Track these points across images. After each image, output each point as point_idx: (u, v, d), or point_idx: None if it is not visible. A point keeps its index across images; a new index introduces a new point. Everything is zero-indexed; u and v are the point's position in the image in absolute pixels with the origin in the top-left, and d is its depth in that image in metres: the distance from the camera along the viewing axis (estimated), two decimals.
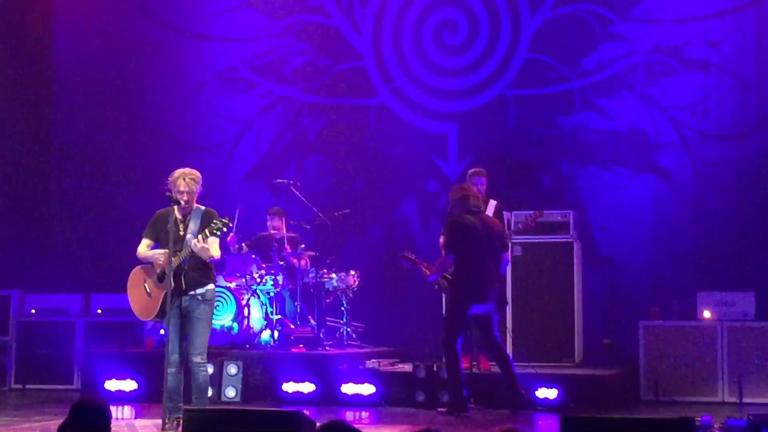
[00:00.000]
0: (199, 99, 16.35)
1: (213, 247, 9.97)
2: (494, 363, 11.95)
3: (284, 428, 6.81)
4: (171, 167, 10.31)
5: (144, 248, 10.15)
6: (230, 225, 9.97)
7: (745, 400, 12.47)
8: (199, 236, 9.81)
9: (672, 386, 12.77)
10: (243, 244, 13.97)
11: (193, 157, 14.88)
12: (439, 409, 11.71)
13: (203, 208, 10.08)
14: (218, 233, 9.90)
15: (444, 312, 12.30)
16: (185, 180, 9.97)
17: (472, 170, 12.82)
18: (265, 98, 16.29)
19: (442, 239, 11.59)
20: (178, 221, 9.97)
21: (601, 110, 15.01)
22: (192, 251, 9.81)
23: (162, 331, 12.31)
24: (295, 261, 13.98)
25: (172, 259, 9.77)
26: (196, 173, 10.11)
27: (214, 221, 9.86)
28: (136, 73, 16.42)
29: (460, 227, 11.41)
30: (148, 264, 10.17)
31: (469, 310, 11.32)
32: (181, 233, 9.95)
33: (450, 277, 11.59)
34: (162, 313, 10.02)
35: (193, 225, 9.97)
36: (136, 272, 10.31)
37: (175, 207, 9.92)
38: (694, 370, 12.83)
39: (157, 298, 10.05)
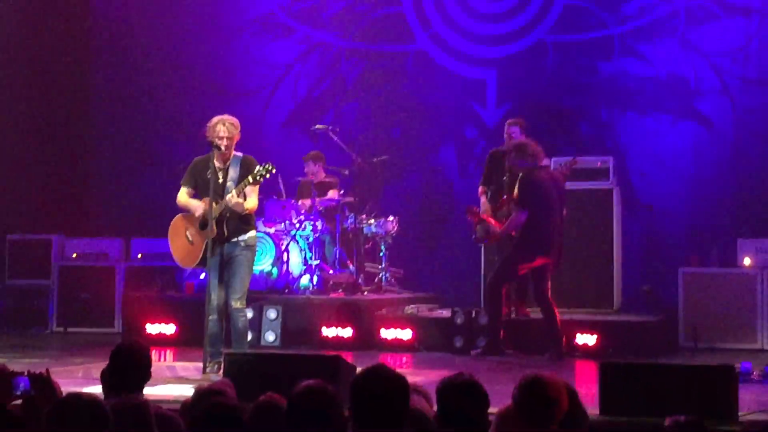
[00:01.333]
0: (237, 45, 16.34)
1: (251, 199, 9.99)
2: (536, 310, 11.99)
3: (325, 372, 6.84)
4: (209, 113, 10.35)
5: (184, 196, 10.20)
6: (272, 171, 9.98)
7: None
8: (234, 191, 9.83)
9: (711, 333, 12.74)
10: (282, 191, 14.01)
11: (232, 103, 14.87)
12: (473, 351, 11.78)
13: (242, 155, 10.10)
14: (260, 180, 9.93)
15: (500, 257, 12.30)
16: (225, 125, 9.98)
17: (511, 120, 12.82)
18: (303, 44, 16.26)
19: (515, 195, 11.64)
20: (218, 169, 9.99)
21: (641, 56, 14.90)
22: (227, 204, 9.84)
23: (202, 275, 12.38)
24: (334, 207, 14.00)
25: (214, 206, 9.82)
26: (233, 119, 10.12)
27: (258, 168, 9.88)
28: (175, 18, 16.42)
29: (533, 184, 11.46)
30: (188, 212, 10.23)
31: (532, 262, 11.41)
32: (221, 181, 9.98)
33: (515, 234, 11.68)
34: (204, 261, 10.09)
35: (233, 172, 10.00)
36: (177, 220, 10.37)
37: (215, 154, 9.94)
38: (733, 318, 12.79)
39: (199, 246, 10.11)
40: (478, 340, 12.04)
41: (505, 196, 12.23)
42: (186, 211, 10.25)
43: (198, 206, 10.06)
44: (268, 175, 9.96)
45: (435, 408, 5.60)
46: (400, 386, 4.89)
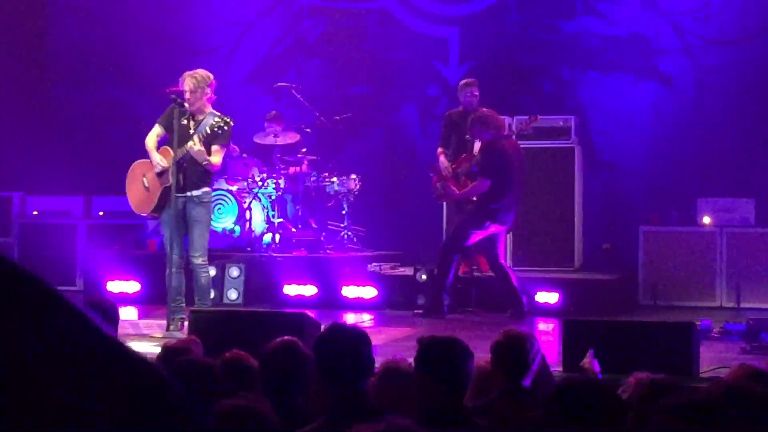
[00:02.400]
0: (198, 1, 16.23)
1: (215, 156, 10.01)
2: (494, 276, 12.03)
3: (290, 329, 6.86)
4: (170, 70, 10.33)
5: (153, 137, 10.24)
6: (231, 124, 10.00)
7: (743, 305, 12.57)
8: (196, 137, 9.84)
9: (670, 291, 12.86)
10: (245, 149, 13.99)
11: (193, 60, 14.77)
12: (415, 311, 11.81)
13: (218, 114, 10.10)
14: (218, 131, 9.93)
15: (456, 221, 12.34)
16: (188, 78, 10.02)
17: (464, 81, 12.84)
18: (265, 1, 16.17)
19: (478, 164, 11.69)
20: (191, 119, 10.00)
21: (603, 15, 14.93)
22: (190, 151, 9.86)
23: (162, 233, 12.36)
24: (296, 165, 14.00)
25: (176, 152, 9.85)
26: (203, 74, 10.12)
27: (215, 120, 9.89)
28: None
29: (496, 153, 11.49)
30: (148, 159, 10.24)
31: (487, 230, 11.46)
32: (191, 131, 9.98)
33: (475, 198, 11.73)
34: (158, 209, 10.12)
35: (202, 127, 10.01)
36: (136, 166, 10.39)
37: (177, 105, 9.93)
38: (692, 276, 12.91)
39: (155, 193, 10.14)
40: (418, 299, 12.08)
41: (464, 155, 12.26)
42: (147, 157, 10.28)
43: (157, 162, 10.07)
44: (226, 128, 9.99)
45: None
46: (362, 342, 4.97)
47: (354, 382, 4.87)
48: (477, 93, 12.59)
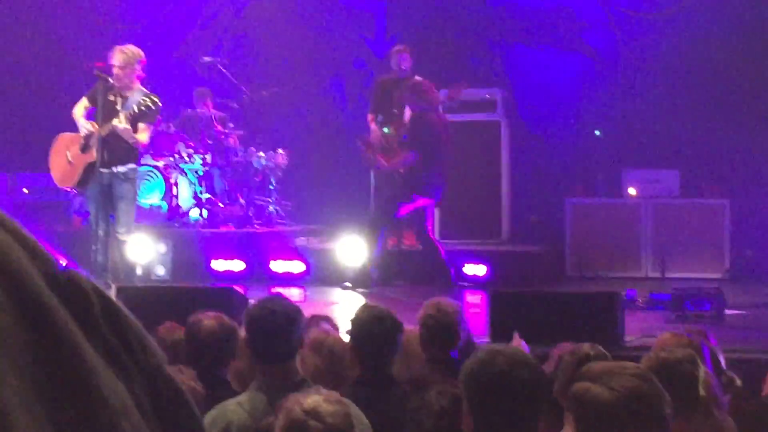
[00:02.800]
0: None
1: (142, 134, 9.94)
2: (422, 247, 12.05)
3: (218, 304, 6.84)
4: (95, 44, 10.22)
5: (81, 108, 10.16)
6: (158, 103, 9.94)
7: (668, 275, 12.70)
8: (122, 115, 9.77)
9: (597, 262, 12.95)
10: (170, 124, 13.89)
11: (119, 34, 14.63)
12: (344, 283, 11.80)
13: (146, 90, 10.02)
14: (146, 111, 9.86)
15: (383, 195, 12.35)
16: (118, 53, 9.96)
17: (396, 48, 12.84)
18: None
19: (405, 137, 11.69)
20: (118, 96, 9.91)
21: None
22: (115, 129, 9.78)
23: (87, 210, 12.27)
24: (223, 139, 13.93)
25: (102, 127, 9.77)
26: (133, 50, 10.05)
27: (143, 98, 9.81)
28: None
29: (425, 126, 11.49)
30: (73, 132, 10.16)
31: (414, 203, 11.48)
32: (118, 107, 9.90)
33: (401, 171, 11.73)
34: (81, 183, 10.03)
35: (130, 102, 9.92)
36: (60, 138, 10.30)
37: (103, 80, 9.85)
38: (618, 247, 13.02)
39: (78, 167, 10.05)
40: (346, 272, 12.10)
41: (395, 121, 12.27)
42: (73, 130, 10.19)
43: (84, 126, 9.98)
44: (154, 107, 9.92)
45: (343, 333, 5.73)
46: (294, 317, 4.98)
47: (285, 356, 4.89)
48: (409, 58, 12.58)
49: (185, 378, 4.15)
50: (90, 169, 9.90)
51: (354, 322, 5.40)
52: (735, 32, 14.07)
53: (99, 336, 1.11)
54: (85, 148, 9.99)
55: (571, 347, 4.93)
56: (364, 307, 5.63)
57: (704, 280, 11.93)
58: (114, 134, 9.84)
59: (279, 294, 5.31)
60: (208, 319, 5.41)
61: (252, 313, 5.04)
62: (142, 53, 10.09)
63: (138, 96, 9.95)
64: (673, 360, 4.40)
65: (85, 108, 10.15)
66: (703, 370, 4.42)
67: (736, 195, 13.16)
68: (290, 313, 4.99)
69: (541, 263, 12.68)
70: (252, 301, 5.65)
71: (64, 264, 1.05)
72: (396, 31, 15.30)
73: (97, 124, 9.88)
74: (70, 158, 10.14)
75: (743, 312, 9.78)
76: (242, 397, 4.79)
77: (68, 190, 10.72)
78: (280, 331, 4.88)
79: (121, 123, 9.78)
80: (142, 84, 10.17)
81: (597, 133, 14.15)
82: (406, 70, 12.46)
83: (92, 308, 1.11)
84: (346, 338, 5.75)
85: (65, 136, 10.25)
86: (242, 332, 5.40)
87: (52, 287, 1.06)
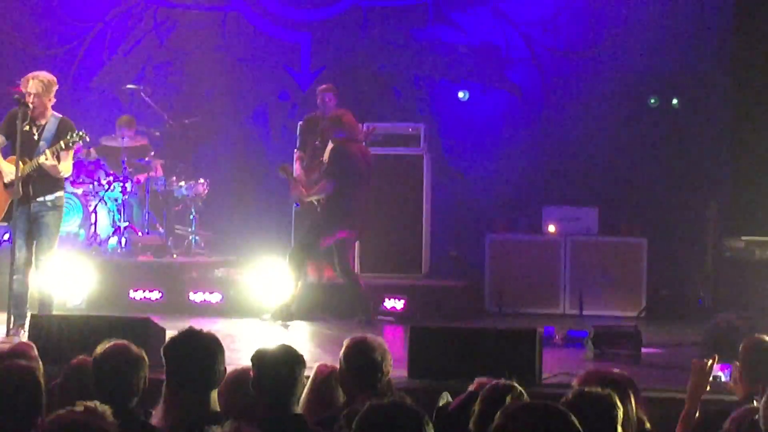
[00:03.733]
0: (47, 1, 15.89)
1: (65, 164, 9.82)
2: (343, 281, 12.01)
3: (134, 335, 6.75)
4: (16, 70, 10.09)
5: None
6: (86, 139, 9.86)
7: (586, 312, 12.76)
8: (48, 152, 9.65)
9: (516, 298, 12.99)
10: (91, 150, 13.76)
11: (40, 60, 14.52)
12: (263, 316, 11.71)
13: (60, 116, 9.90)
14: (73, 146, 9.78)
15: (304, 228, 12.30)
16: (33, 81, 9.81)
17: (321, 87, 12.89)
18: (116, 1, 15.91)
19: (325, 165, 11.64)
20: (33, 124, 9.78)
21: (455, 24, 15.05)
22: (42, 166, 9.65)
23: (6, 236, 12.08)
24: (143, 167, 13.84)
25: (21, 164, 9.62)
26: (48, 77, 9.92)
27: (70, 134, 9.70)
28: None
29: (343, 156, 11.46)
30: None
31: (334, 235, 11.43)
32: (35, 138, 9.77)
33: (319, 200, 11.68)
34: (7, 217, 9.89)
35: (47, 132, 9.80)
36: None
37: (21, 109, 9.72)
38: (537, 283, 13.07)
39: (2, 203, 9.89)
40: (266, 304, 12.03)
41: (317, 160, 12.26)
42: None
43: (7, 172, 9.82)
44: (81, 142, 9.85)
45: None
46: (216, 349, 4.93)
47: (206, 388, 4.84)
48: (334, 98, 12.65)
49: (99, 416, 4.06)
50: (13, 203, 9.74)
51: (254, 358, 5.30)
52: (656, 72, 14.25)
53: None
54: (8, 184, 9.83)
55: (487, 383, 4.92)
56: (269, 341, 5.54)
57: (621, 318, 12.04)
58: (38, 168, 9.71)
59: (194, 329, 5.24)
60: (113, 348, 5.31)
61: (173, 341, 4.98)
62: (54, 79, 9.97)
63: (53, 123, 9.83)
64: (592, 398, 4.39)
65: (0, 145, 9.99)
66: (622, 411, 4.41)
67: (654, 234, 13.28)
68: (211, 343, 4.95)
69: (460, 298, 12.69)
70: (170, 333, 5.58)
71: None
72: (321, 63, 15.30)
73: (16, 157, 9.70)
74: None
75: (659, 350, 9.86)
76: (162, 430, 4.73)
77: None
78: (201, 359, 4.83)
79: (48, 160, 9.65)
80: (54, 108, 10.04)
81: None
82: (330, 108, 12.50)
83: None
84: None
85: None
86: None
87: None
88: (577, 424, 3.56)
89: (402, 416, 3.84)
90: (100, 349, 5.34)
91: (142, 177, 13.85)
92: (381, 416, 3.86)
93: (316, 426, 5.25)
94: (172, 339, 5.04)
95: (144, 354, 5.33)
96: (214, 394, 4.90)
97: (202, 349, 4.89)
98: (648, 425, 5.15)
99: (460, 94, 14.83)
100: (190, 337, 5.00)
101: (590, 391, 4.45)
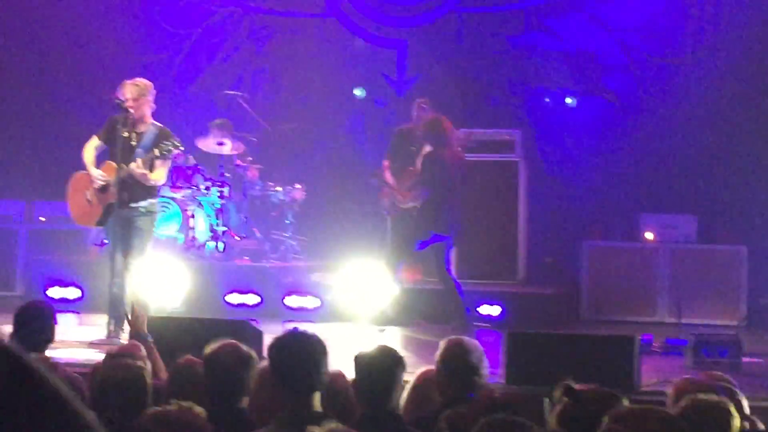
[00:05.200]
0: (146, 8, 16.11)
1: (158, 172, 9.94)
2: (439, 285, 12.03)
3: (231, 336, 6.81)
4: (116, 75, 10.22)
5: (90, 149, 10.12)
6: (181, 148, 9.98)
7: (684, 320, 12.61)
8: (140, 160, 9.76)
9: (612, 306, 12.91)
10: (189, 156, 13.90)
11: (139, 66, 14.69)
12: (360, 320, 11.75)
13: (159, 125, 10.03)
14: (168, 154, 9.89)
15: (399, 232, 12.35)
16: (130, 86, 9.93)
17: (418, 100, 12.96)
18: (214, 9, 16.08)
19: (419, 171, 11.71)
20: (131, 130, 9.91)
21: (550, 31, 14.99)
22: (132, 173, 9.77)
23: (106, 240, 12.25)
24: (241, 173, 13.95)
25: (120, 168, 9.75)
26: (144, 82, 10.04)
27: (165, 142, 9.81)
28: None
29: (437, 163, 11.52)
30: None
31: (428, 239, 11.48)
32: (133, 143, 9.90)
33: (416, 206, 11.75)
34: (102, 222, 10.03)
35: (146, 140, 9.93)
36: (78, 178, 10.27)
37: (123, 116, 9.85)
38: (634, 291, 12.97)
39: (97, 207, 10.04)
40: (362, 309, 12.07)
41: (411, 168, 12.29)
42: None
43: (97, 177, 9.96)
44: (176, 151, 9.97)
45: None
46: (321, 349, 4.97)
47: (309, 390, 4.87)
48: (429, 112, 12.69)
49: (193, 414, 4.12)
50: (110, 208, 9.88)
51: (356, 359, 5.36)
52: (755, 78, 14.07)
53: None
54: (103, 188, 9.98)
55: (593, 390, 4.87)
56: (370, 344, 5.60)
57: (720, 327, 11.89)
58: (131, 175, 9.83)
59: (299, 329, 5.27)
60: (224, 349, 5.38)
61: (281, 344, 5.01)
62: (151, 85, 10.09)
63: (152, 131, 9.94)
64: (706, 406, 4.33)
65: (95, 148, 10.12)
66: (738, 419, 4.34)
67: (754, 241, 13.11)
68: (316, 344, 4.98)
69: (556, 305, 12.64)
70: (271, 336, 5.61)
71: None
72: (417, 70, 15.33)
73: (114, 163, 9.85)
74: (89, 198, 10.12)
75: (760, 360, 9.71)
76: (265, 430, 4.76)
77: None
78: (309, 364, 4.86)
79: (139, 168, 9.77)
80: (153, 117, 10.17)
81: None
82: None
83: None
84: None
85: (83, 175, 10.21)
86: (262, 364, 5.37)
87: None
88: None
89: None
90: (210, 348, 5.40)
91: (240, 179, 13.95)
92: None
93: (411, 427, 5.27)
94: (278, 339, 5.06)
95: (253, 353, 5.39)
96: (317, 396, 4.92)
97: (307, 351, 4.91)
98: (762, 427, 5.08)
99: (568, 100, 14.75)
100: (295, 337, 5.03)
101: (704, 399, 4.38)
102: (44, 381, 0.94)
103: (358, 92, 14.73)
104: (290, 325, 11.24)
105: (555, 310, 12.46)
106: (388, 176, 12.61)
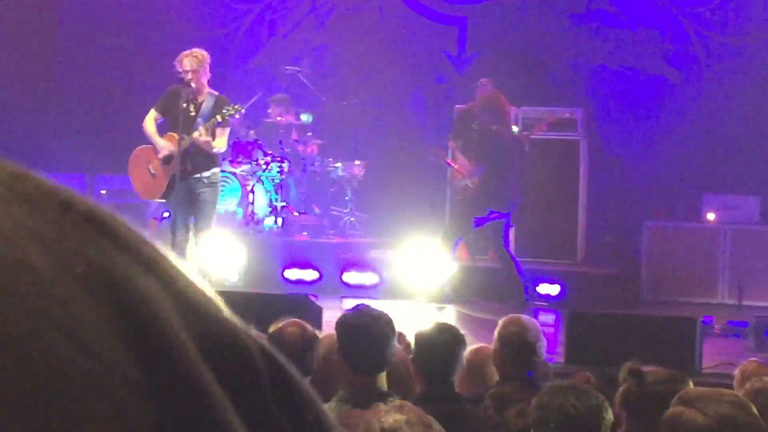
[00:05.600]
0: None
1: (220, 140, 9.97)
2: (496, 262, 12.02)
3: (292, 311, 6.83)
4: (177, 47, 10.25)
5: (151, 123, 10.15)
6: (242, 111, 9.98)
7: (745, 302, 12.51)
8: (202, 128, 9.79)
9: (672, 287, 12.81)
10: (250, 131, 13.93)
11: (201, 41, 14.72)
12: (417, 297, 11.75)
13: (216, 93, 10.06)
14: (229, 120, 9.92)
15: (457, 209, 12.34)
16: (188, 58, 9.95)
17: (482, 79, 12.92)
18: None
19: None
20: (190, 101, 9.93)
21: (613, 8, 14.86)
22: (197, 141, 9.81)
23: (166, 214, 12.32)
24: (301, 148, 13.97)
25: (183, 139, 9.79)
26: (202, 53, 10.07)
27: (227, 107, 9.84)
28: None
29: (495, 139, 11.50)
30: (150, 144, 10.18)
31: (486, 216, 11.46)
32: (192, 114, 9.93)
33: (473, 183, 11.72)
34: (166, 195, 10.06)
35: (205, 109, 9.96)
36: (140, 151, 10.32)
37: (184, 87, 9.89)
38: (695, 272, 12.86)
39: (162, 179, 10.07)
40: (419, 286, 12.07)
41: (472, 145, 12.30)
42: (149, 142, 10.21)
43: (163, 146, 10.00)
44: (237, 115, 9.99)
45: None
46: (391, 328, 4.96)
47: (378, 368, 4.87)
48: (491, 89, 12.66)
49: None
50: (173, 179, 9.92)
51: (416, 336, 5.36)
52: None
53: (265, 417, 0.81)
54: (166, 160, 10.01)
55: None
56: (428, 322, 5.59)
57: None
58: (195, 144, 9.87)
59: (367, 307, 5.26)
60: (290, 327, 5.38)
61: (350, 322, 5.00)
62: (208, 55, 10.11)
63: (210, 100, 9.97)
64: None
65: (155, 120, 10.16)
66: None
67: None
68: (385, 327, 4.97)
69: (615, 285, 12.56)
70: (327, 313, 5.61)
71: (225, 313, 0.77)
72: (478, 47, 15.26)
73: (175, 134, 9.89)
74: (152, 171, 10.16)
75: None
76: (327, 406, 4.76)
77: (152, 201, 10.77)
78: (377, 343, 4.86)
79: (202, 136, 9.80)
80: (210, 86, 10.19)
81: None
82: None
83: (259, 381, 0.82)
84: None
85: (144, 149, 10.27)
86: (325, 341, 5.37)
87: (207, 354, 0.75)
88: (756, 414, 3.47)
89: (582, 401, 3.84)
90: (274, 326, 5.40)
91: (299, 155, 13.96)
92: (560, 398, 3.85)
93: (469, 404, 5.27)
94: (346, 316, 5.06)
95: (318, 333, 5.38)
96: (383, 375, 4.91)
97: (376, 330, 4.89)
98: None
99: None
100: (364, 316, 5.02)
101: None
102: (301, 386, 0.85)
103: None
104: (349, 302, 11.33)
105: (614, 291, 12.39)
106: (460, 157, 12.57)
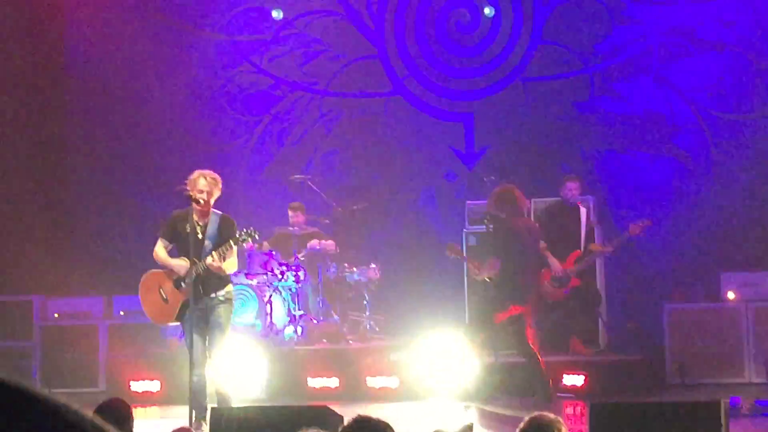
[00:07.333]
0: (214, 98, 16.29)
1: (230, 261, 9.94)
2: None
3: (313, 424, 6.77)
4: (188, 166, 10.29)
5: (162, 252, 10.14)
6: (256, 237, 9.99)
7: None
8: (215, 253, 9.77)
9: (698, 369, 12.70)
10: (264, 243, 13.96)
11: (211, 155, 14.87)
12: (465, 404, 11.68)
13: (220, 213, 10.06)
14: (242, 244, 9.93)
15: (477, 305, 12.32)
16: (206, 179, 9.94)
17: (565, 176, 13.05)
18: (281, 95, 16.23)
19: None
20: (197, 224, 9.93)
21: (617, 94, 14.94)
22: (209, 267, 9.79)
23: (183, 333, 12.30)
24: (315, 255, 13.99)
25: (195, 264, 9.77)
26: (214, 175, 10.08)
27: (240, 233, 9.82)
28: (149, 73, 16.36)
29: (507, 232, 11.48)
30: (161, 269, 10.17)
31: (506, 310, 11.39)
32: (200, 236, 9.93)
33: (490, 278, 11.69)
34: (179, 318, 10.05)
35: (211, 230, 9.95)
36: (150, 277, 10.29)
37: (194, 208, 9.88)
38: (720, 352, 12.75)
39: (174, 304, 10.05)
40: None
41: (574, 252, 12.42)
42: (159, 267, 10.20)
43: (181, 267, 9.98)
44: (251, 241, 9.98)
45: None
46: None
47: None
48: (574, 186, 12.78)
49: None
50: (186, 303, 9.91)
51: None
52: None
53: None
54: (178, 284, 10.01)
55: None
56: (453, 424, 5.50)
57: None
58: (207, 269, 9.86)
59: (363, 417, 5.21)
60: None
61: (346, 429, 4.96)
62: (219, 177, 10.12)
63: (215, 221, 9.96)
64: None
65: (165, 248, 10.17)
66: None
67: None
68: (382, 428, 4.92)
69: (640, 371, 12.47)
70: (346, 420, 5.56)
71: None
72: (485, 141, 15.33)
73: (186, 258, 9.87)
74: (164, 296, 10.15)
75: None
76: None
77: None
78: None
79: (215, 261, 9.79)
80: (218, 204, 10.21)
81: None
82: (572, 197, 13.18)
83: None
84: None
85: (154, 274, 10.25)
86: None
87: None
88: None
89: None
90: None
91: (315, 262, 13.97)
92: None
93: None
94: (344, 428, 5.02)
95: None
96: None
97: None
98: None
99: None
100: (361, 425, 4.98)
101: None
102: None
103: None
104: (367, 408, 11.25)
105: (640, 377, 12.30)
106: (554, 263, 12.72)
